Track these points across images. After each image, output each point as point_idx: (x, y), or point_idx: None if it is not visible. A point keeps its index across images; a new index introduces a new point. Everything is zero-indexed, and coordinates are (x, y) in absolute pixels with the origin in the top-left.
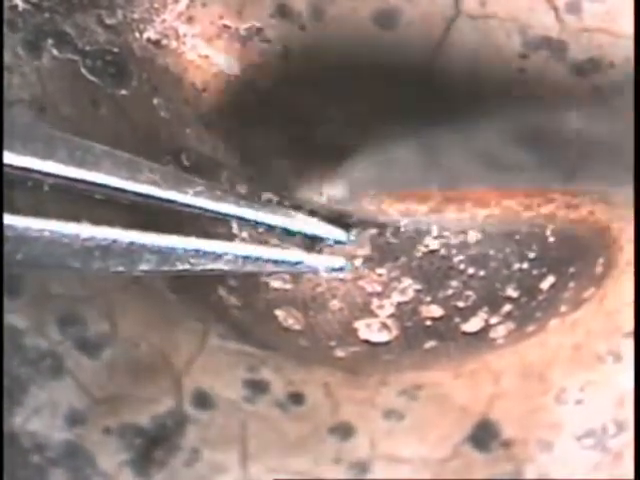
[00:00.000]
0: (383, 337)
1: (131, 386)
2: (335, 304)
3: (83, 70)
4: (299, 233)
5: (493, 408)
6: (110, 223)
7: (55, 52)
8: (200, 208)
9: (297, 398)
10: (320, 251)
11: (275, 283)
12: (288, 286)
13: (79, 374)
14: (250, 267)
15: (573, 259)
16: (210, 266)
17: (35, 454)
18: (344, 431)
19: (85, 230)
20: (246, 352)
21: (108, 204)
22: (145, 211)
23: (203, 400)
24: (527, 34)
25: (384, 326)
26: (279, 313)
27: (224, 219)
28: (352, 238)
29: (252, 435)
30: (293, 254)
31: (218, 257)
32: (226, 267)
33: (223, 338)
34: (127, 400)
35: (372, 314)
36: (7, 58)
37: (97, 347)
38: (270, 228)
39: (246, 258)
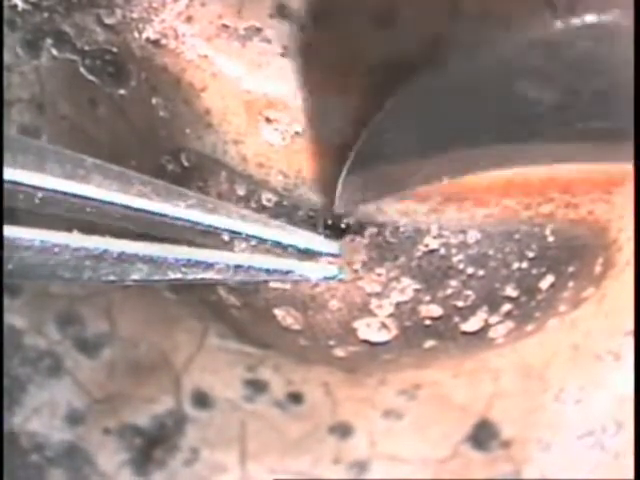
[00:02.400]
0: (382, 337)
1: (130, 386)
2: (334, 304)
3: (82, 69)
4: (292, 247)
5: (492, 408)
6: (101, 232)
7: (54, 51)
8: (192, 221)
9: (296, 398)
10: (314, 259)
11: (274, 283)
12: (287, 286)
13: (78, 374)
14: (242, 276)
15: (572, 259)
16: (202, 275)
17: (34, 454)
18: (343, 430)
19: (76, 240)
20: (245, 352)
21: (99, 214)
22: (136, 220)
23: (202, 400)
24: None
25: (383, 326)
26: (278, 313)
27: (216, 232)
28: (345, 250)
29: (251, 435)
30: (286, 263)
31: (210, 266)
32: (218, 276)
33: (222, 338)
34: (126, 400)
35: (371, 314)
36: (6, 57)
37: (96, 347)
38: (262, 241)
39: (238, 267)
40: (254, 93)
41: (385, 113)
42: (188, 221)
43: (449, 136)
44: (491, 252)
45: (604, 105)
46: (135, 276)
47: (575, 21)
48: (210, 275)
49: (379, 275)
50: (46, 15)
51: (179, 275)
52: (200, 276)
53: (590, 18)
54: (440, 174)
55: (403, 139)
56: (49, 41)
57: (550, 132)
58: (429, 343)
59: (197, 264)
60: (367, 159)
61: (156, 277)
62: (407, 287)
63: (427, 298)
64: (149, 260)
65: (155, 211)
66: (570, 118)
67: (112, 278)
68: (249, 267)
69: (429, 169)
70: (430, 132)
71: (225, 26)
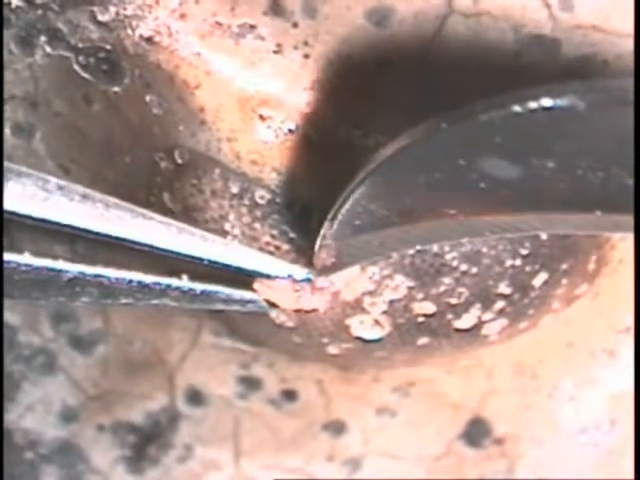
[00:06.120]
0: (376, 334)
1: (124, 383)
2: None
3: (76, 67)
4: (256, 273)
5: (486, 405)
6: (53, 255)
7: (48, 49)
8: (152, 246)
9: (290, 395)
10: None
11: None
12: None
13: (72, 371)
14: (197, 305)
15: (566, 256)
16: (155, 301)
17: (28, 451)
18: (337, 428)
19: (26, 261)
20: (239, 349)
21: (52, 235)
22: (89, 243)
23: (196, 397)
24: (520, 32)
25: (377, 323)
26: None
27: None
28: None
29: (245, 432)
30: (244, 293)
31: (163, 292)
32: (172, 303)
33: (216, 335)
34: (120, 397)
35: (364, 311)
36: None
37: (90, 344)
38: (226, 267)
39: (194, 295)
40: (248, 90)
41: (358, 183)
42: (148, 246)
43: (419, 207)
44: (484, 249)
45: (564, 177)
46: (85, 299)
47: (532, 105)
48: (164, 302)
49: (372, 273)
50: (40, 12)
51: (131, 300)
52: (154, 302)
53: (547, 102)
54: (412, 242)
55: (376, 209)
56: (43, 38)
57: (514, 204)
58: (422, 340)
59: (150, 290)
60: (341, 227)
61: (107, 301)
62: (400, 284)
63: (420, 295)
64: (99, 284)
65: (115, 235)
66: (532, 191)
67: (61, 299)
68: (205, 295)
69: (402, 237)
70: (400, 203)
71: (219, 23)
